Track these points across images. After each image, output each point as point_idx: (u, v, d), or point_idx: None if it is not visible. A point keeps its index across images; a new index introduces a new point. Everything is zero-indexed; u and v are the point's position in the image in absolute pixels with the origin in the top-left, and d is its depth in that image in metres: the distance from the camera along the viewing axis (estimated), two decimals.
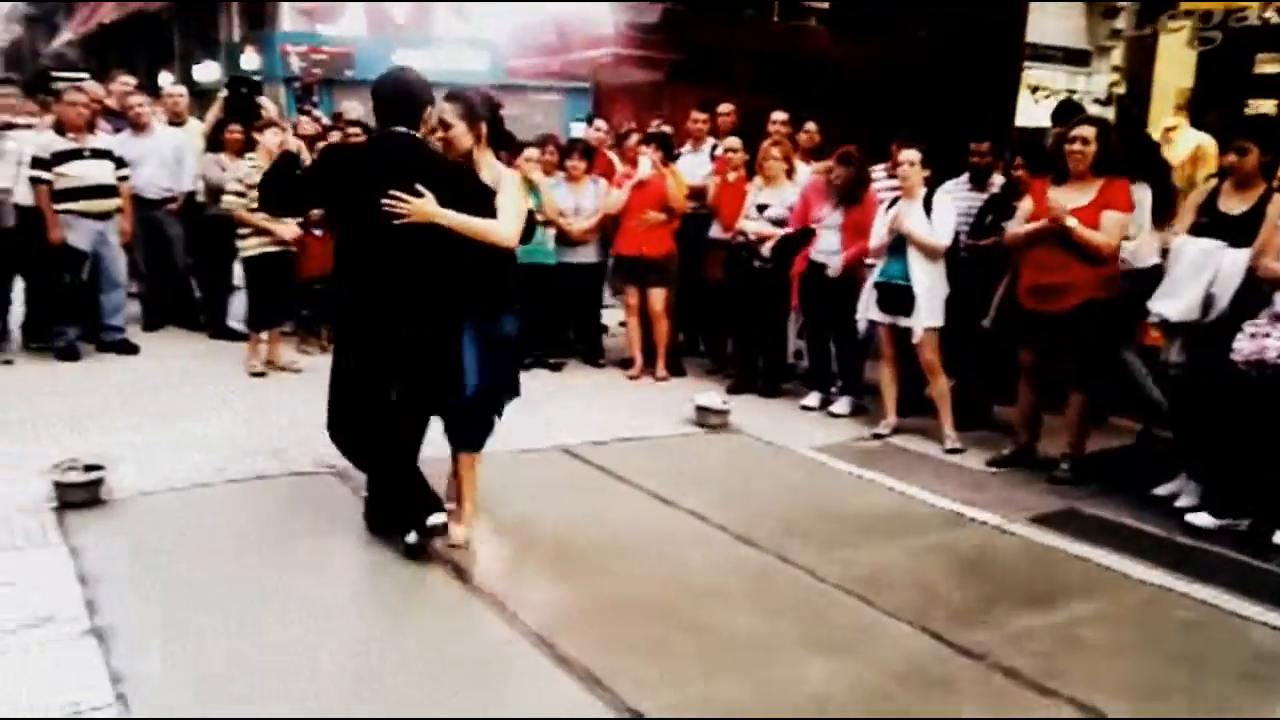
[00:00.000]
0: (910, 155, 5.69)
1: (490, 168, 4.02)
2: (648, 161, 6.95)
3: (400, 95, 3.85)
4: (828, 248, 6.17)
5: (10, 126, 6.83)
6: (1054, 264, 5.00)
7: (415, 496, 3.85)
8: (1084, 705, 3.02)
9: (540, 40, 14.24)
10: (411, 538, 3.82)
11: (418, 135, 3.86)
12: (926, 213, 5.59)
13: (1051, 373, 5.26)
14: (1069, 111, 7.13)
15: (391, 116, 3.82)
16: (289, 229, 6.74)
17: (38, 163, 6.73)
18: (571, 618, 3.45)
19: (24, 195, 6.79)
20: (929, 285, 5.59)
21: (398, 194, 3.65)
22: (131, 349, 7.16)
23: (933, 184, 5.81)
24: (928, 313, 5.58)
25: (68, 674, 2.94)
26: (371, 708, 2.87)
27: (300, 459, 4.90)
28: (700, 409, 5.93)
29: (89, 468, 4.29)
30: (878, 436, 5.81)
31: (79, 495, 4.21)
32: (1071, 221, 4.87)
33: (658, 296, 7.00)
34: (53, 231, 6.75)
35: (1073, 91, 11.62)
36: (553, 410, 5.95)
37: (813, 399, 6.43)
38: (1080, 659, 3.34)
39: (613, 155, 8.13)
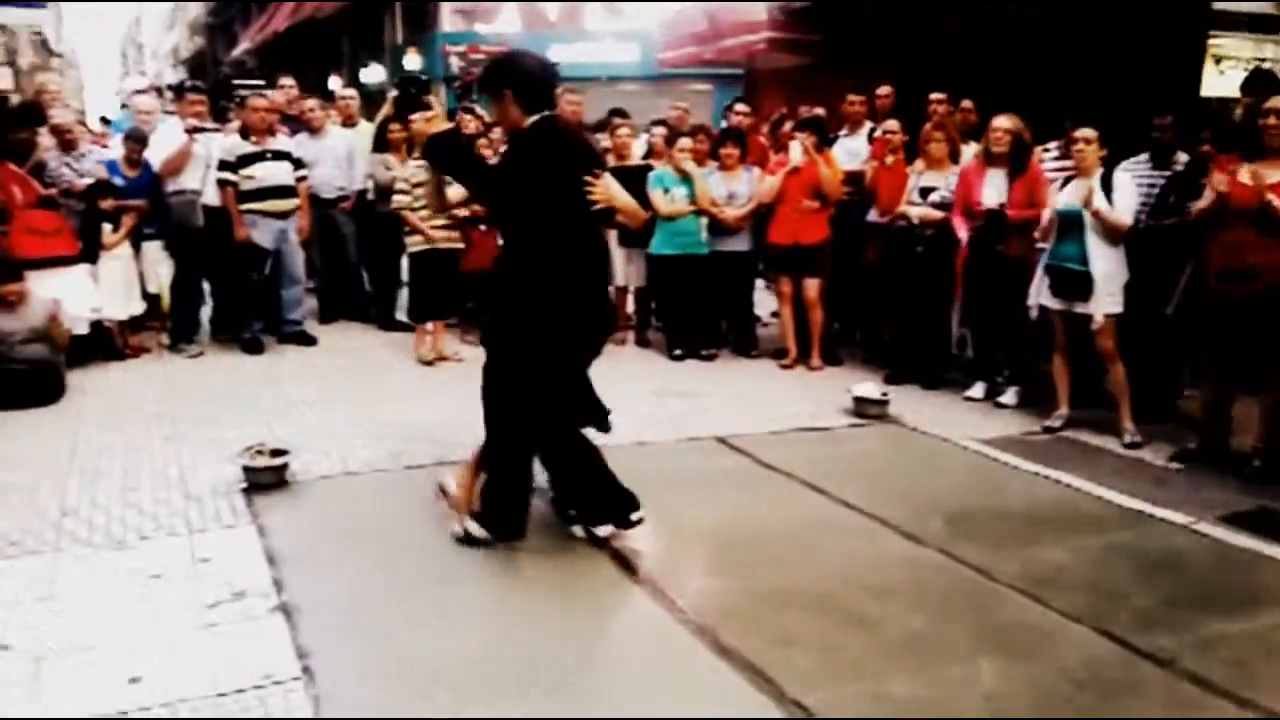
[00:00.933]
0: (1086, 133, 5.40)
1: None
2: (799, 148, 6.85)
3: (550, 78, 3.82)
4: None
5: (200, 130, 7.30)
6: (1247, 245, 4.67)
7: (615, 490, 3.87)
8: None
9: (691, 29, 14.21)
10: (605, 530, 3.90)
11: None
12: (1105, 193, 5.30)
13: (1241, 362, 4.91)
14: (1261, 81, 6.62)
15: (548, 99, 3.76)
16: (441, 234, 6.96)
17: (224, 165, 7.18)
18: (732, 609, 3.43)
19: (211, 196, 7.26)
20: (1108, 269, 5.30)
21: (591, 178, 3.70)
22: (310, 340, 7.56)
23: (1109, 163, 5.49)
24: (1107, 298, 5.29)
25: (258, 647, 3.12)
26: (542, 692, 2.93)
27: (469, 446, 5.04)
28: (858, 399, 5.81)
29: (275, 452, 4.56)
30: (1049, 429, 5.55)
31: (266, 478, 4.47)
32: (1274, 199, 4.52)
33: (812, 285, 6.89)
34: (238, 230, 7.19)
35: (1261, 60, 10.79)
36: (707, 401, 5.95)
37: (977, 389, 6.20)
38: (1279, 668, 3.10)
39: (764, 141, 8.07)
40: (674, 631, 3.29)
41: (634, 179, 7.26)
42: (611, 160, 7.66)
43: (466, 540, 3.87)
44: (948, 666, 3.08)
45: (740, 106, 8.51)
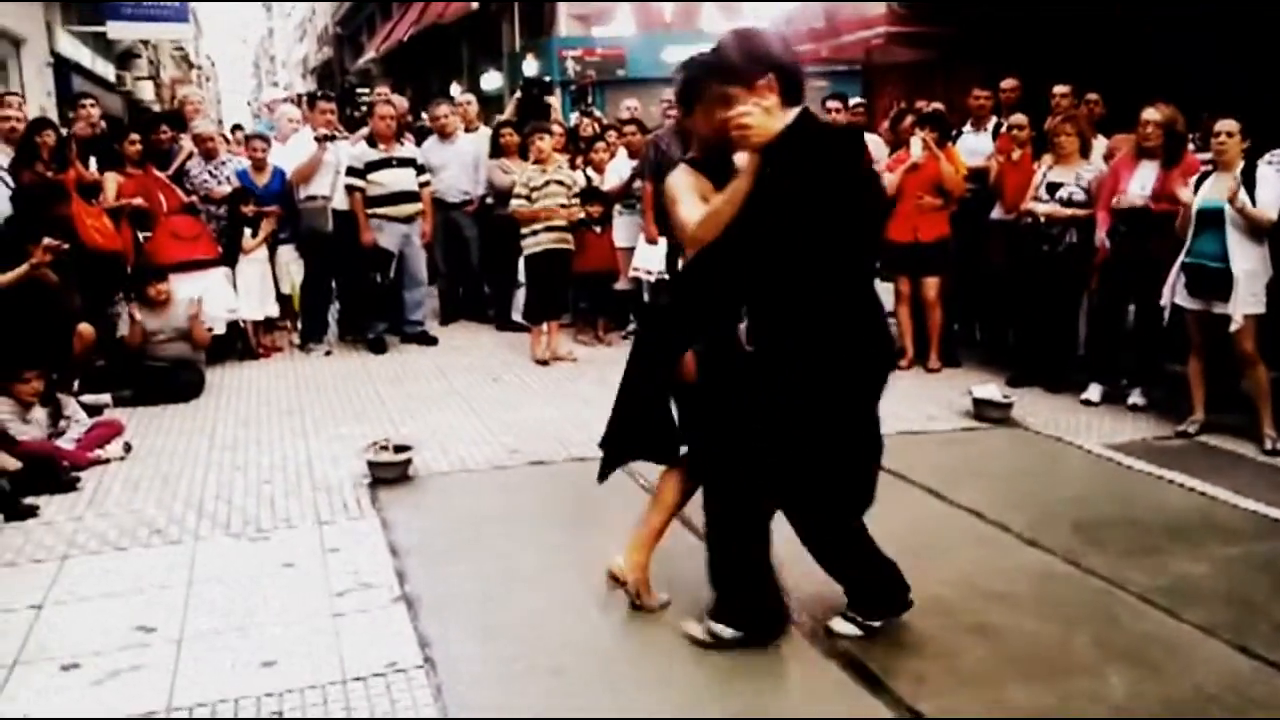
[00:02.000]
0: (1228, 125, 5.14)
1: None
2: (919, 144, 6.72)
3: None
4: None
5: (331, 138, 7.59)
6: None
7: (888, 568, 3.22)
8: None
9: (808, 26, 14.06)
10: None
11: None
12: (1248, 188, 5.03)
13: None
14: None
15: (801, 89, 2.88)
16: (554, 235, 7.09)
17: (352, 171, 7.45)
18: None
19: (340, 201, 7.55)
20: (1251, 267, 5.03)
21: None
22: (431, 340, 7.79)
23: (1251, 156, 5.21)
24: (1249, 297, 5.03)
25: (383, 636, 3.23)
26: (661, 690, 2.95)
27: (585, 447, 5.12)
28: (979, 401, 5.66)
29: (398, 448, 4.71)
30: (1183, 434, 5.30)
31: (390, 473, 4.63)
32: None
33: (931, 284, 6.74)
34: (365, 234, 7.45)
35: None
36: None
37: (1094, 392, 5.95)
38: None
39: (883, 136, 7.93)
40: (786, 636, 3.26)
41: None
42: None
43: (716, 644, 3.12)
44: (1072, 678, 2.97)
45: (832, 103, 8.19)
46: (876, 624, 3.20)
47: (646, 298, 8.14)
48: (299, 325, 7.85)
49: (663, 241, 7.44)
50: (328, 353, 7.58)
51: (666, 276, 7.62)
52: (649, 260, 7.64)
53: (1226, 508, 4.35)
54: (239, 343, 7.40)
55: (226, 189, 7.34)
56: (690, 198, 2.98)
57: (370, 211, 7.46)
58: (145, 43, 23.83)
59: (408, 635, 3.24)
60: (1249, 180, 5.06)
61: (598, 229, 7.71)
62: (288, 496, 4.53)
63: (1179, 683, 2.95)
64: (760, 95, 2.79)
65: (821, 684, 2.99)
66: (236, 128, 11.58)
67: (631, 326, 8.35)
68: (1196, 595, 3.48)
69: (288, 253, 7.59)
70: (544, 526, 4.14)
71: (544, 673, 3.01)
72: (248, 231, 7.28)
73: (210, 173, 7.41)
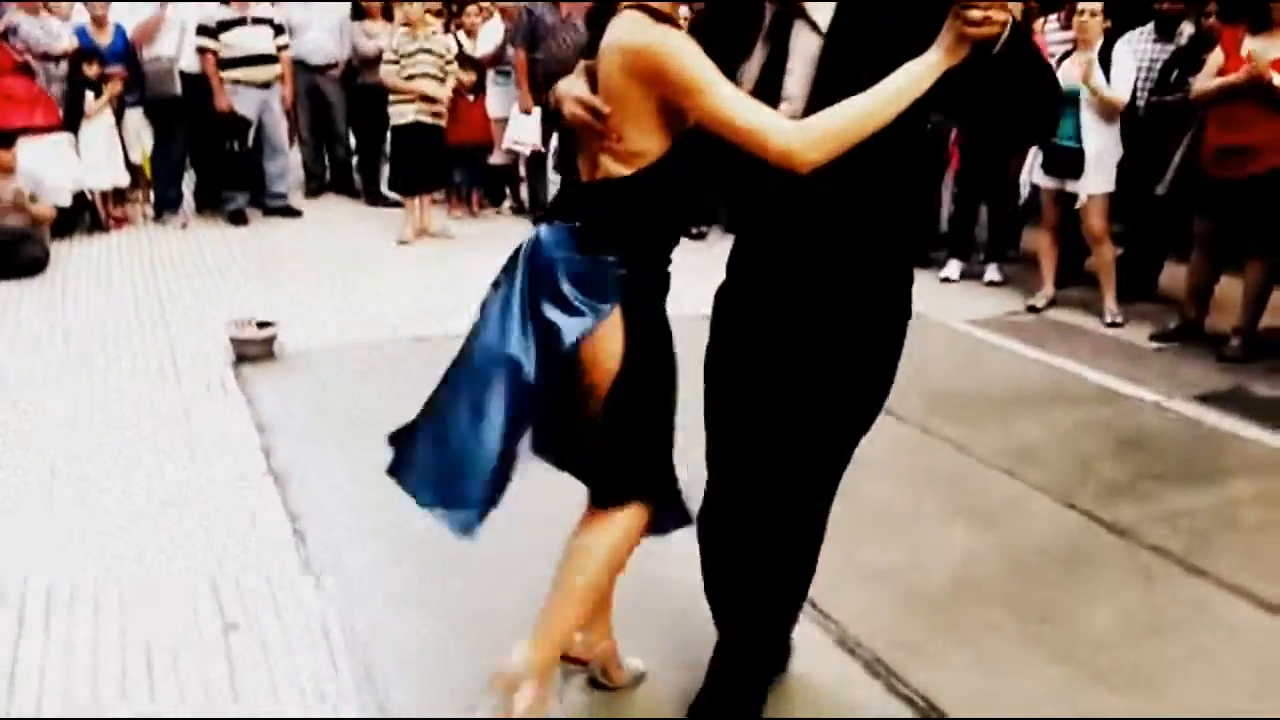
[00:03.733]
0: (1091, 5, 5.25)
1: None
2: None
3: None
4: None
5: None
6: (1245, 123, 4.61)
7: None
8: (1233, 586, 2.92)
9: None
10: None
11: None
12: (1104, 66, 5.19)
13: (1229, 243, 4.92)
14: None
15: None
16: (445, 90, 6.83)
17: (203, 30, 6.97)
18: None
19: (188, 63, 7.07)
20: (1101, 146, 5.24)
21: None
22: (294, 213, 7.50)
23: (1112, 36, 5.36)
24: (1098, 176, 5.25)
25: (250, 511, 3.20)
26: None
27: (459, 323, 5.05)
28: None
29: (262, 325, 4.57)
30: (1032, 309, 5.59)
31: (253, 350, 4.51)
32: (1277, 78, 4.44)
33: None
34: (219, 99, 7.03)
35: None
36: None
37: (952, 268, 6.19)
38: (1235, 539, 3.21)
39: None
40: None
41: None
42: None
43: None
44: (921, 534, 3.17)
45: None
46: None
47: (523, 172, 8.00)
48: (151, 196, 7.43)
49: (537, 111, 7.28)
50: (183, 225, 7.21)
51: (541, 150, 7.50)
52: (524, 132, 7.48)
53: (1069, 376, 4.63)
54: (86, 214, 6.96)
55: (66, 46, 6.78)
56: (732, 87, 1.83)
57: (225, 75, 7.03)
58: None
59: (277, 510, 3.21)
60: (1105, 61, 5.21)
61: (470, 97, 7.47)
62: (145, 374, 4.36)
63: (1015, 537, 3.19)
64: None
65: None
66: None
67: (507, 202, 8.22)
68: (1036, 458, 3.73)
69: (136, 118, 7.12)
70: (410, 402, 4.09)
71: (411, 541, 3.03)
72: (90, 95, 6.77)
73: (43, 29, 6.82)
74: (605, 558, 2.06)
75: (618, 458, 2.05)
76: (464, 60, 7.50)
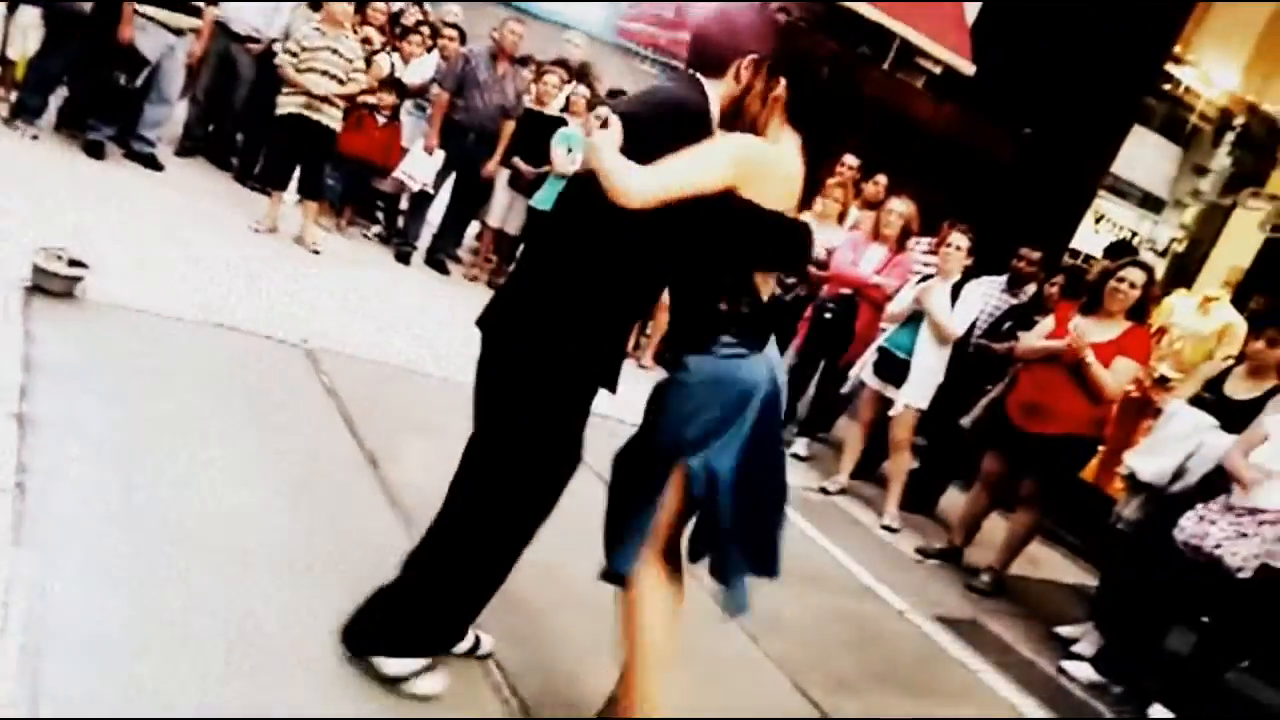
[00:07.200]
0: (959, 240, 5.68)
1: None
2: None
3: None
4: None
5: None
6: (1053, 387, 5.02)
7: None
8: None
9: (657, 11, 14.18)
10: (395, 667, 2.61)
11: None
12: (953, 298, 5.60)
13: (1008, 486, 5.31)
14: (1123, 250, 7.16)
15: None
16: (334, 89, 6.77)
17: None
18: None
19: None
20: (928, 365, 5.61)
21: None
22: (156, 166, 7.16)
23: (969, 274, 5.81)
24: (917, 390, 5.61)
25: None
26: (296, 567, 2.89)
27: (274, 325, 4.91)
28: None
29: (73, 262, 4.32)
30: (824, 490, 5.85)
31: (54, 285, 4.23)
32: (1090, 356, 4.88)
33: None
34: (124, 29, 6.74)
35: (1134, 234, 11.59)
36: None
37: None
38: None
39: None
40: None
41: (547, 128, 7.36)
42: (530, 103, 7.66)
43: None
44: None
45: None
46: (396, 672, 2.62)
47: (404, 205, 7.98)
48: (13, 97, 6.99)
49: (439, 153, 7.39)
50: (34, 137, 6.78)
51: (432, 191, 7.50)
52: (419, 168, 7.53)
53: (835, 564, 4.84)
54: None
55: None
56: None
57: (138, 8, 6.77)
58: None
59: (7, 454, 2.98)
60: (956, 293, 5.63)
61: (382, 118, 7.46)
62: None
63: (742, 699, 3.29)
64: None
65: None
66: None
67: (377, 228, 8.13)
68: (779, 629, 3.85)
69: (30, 15, 6.73)
70: (197, 389, 3.94)
71: (134, 523, 2.88)
72: None
73: None
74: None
75: None
76: (394, 83, 7.53)
